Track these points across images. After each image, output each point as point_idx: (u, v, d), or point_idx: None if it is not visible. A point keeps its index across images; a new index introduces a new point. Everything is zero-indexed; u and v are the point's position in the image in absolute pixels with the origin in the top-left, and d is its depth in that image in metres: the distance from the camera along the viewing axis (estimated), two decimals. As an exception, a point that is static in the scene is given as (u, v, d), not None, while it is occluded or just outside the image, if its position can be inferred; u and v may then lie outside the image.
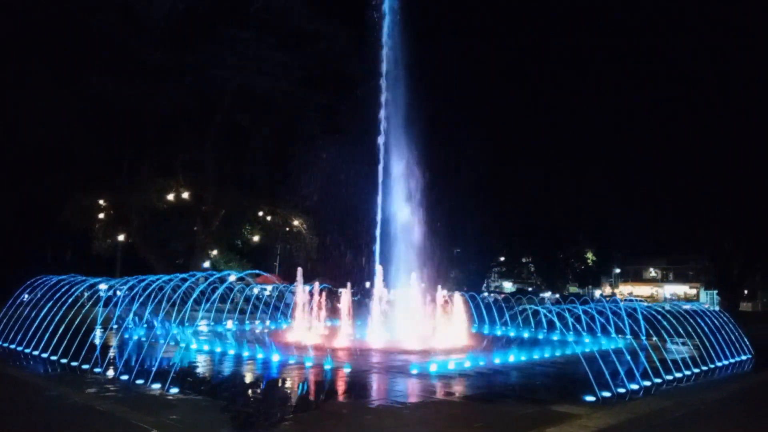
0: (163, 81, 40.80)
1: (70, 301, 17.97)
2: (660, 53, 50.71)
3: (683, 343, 20.93)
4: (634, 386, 12.27)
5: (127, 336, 19.56)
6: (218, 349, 17.70)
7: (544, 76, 61.21)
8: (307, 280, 24.39)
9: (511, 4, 61.47)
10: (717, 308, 51.57)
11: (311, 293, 22.23)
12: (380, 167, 24.15)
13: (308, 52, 42.71)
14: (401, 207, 25.16)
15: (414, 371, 13.88)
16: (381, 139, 24.58)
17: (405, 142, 25.31)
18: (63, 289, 19.00)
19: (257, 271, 30.42)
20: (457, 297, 21.44)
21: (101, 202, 45.48)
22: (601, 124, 55.03)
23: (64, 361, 14.53)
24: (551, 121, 59.49)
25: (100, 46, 39.53)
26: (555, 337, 22.82)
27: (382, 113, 24.22)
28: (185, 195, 45.22)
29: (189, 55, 40.10)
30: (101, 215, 45.93)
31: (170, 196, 44.84)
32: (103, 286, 30.94)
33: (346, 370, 14.36)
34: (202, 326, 26.11)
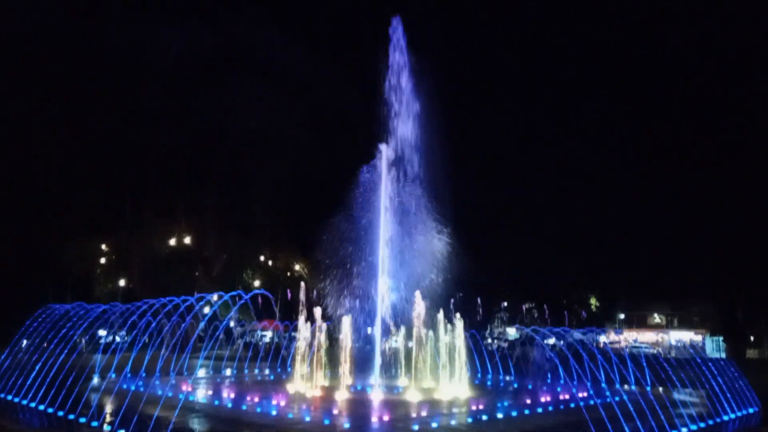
0: (166, 126, 41.54)
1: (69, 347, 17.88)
2: (655, 101, 51.73)
3: (689, 394, 20.63)
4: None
5: (125, 387, 19.30)
6: (217, 402, 17.45)
7: (542, 133, 62.80)
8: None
9: (523, 44, 63.27)
10: (723, 355, 50.88)
11: (312, 335, 21.75)
12: (383, 212, 24.22)
13: (311, 98, 43.66)
14: (403, 253, 25.25)
15: (415, 427, 13.63)
16: (386, 170, 24.68)
17: (406, 190, 25.69)
18: (61, 334, 19.02)
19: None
20: (461, 346, 21.21)
21: (102, 246, 45.66)
22: (601, 172, 55.77)
23: (61, 413, 14.34)
24: (550, 167, 60.41)
25: (105, 91, 40.43)
26: (558, 388, 22.45)
27: (383, 163, 24.47)
28: (187, 240, 45.39)
29: (192, 101, 40.99)
30: (102, 260, 46.02)
31: (172, 242, 45.02)
32: (102, 332, 30.74)
33: (346, 426, 14.10)
34: (201, 374, 25.83)
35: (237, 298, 16.86)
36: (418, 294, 20.65)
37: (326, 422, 14.21)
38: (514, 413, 16.08)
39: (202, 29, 41.21)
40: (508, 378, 27.32)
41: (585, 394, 19.39)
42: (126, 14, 43.73)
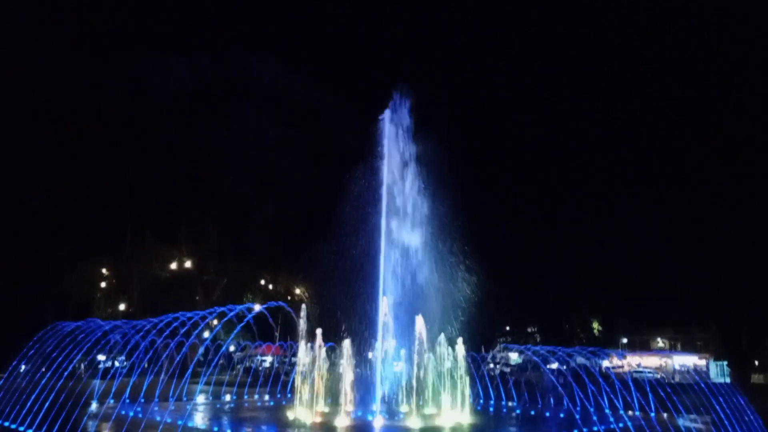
0: (169, 153, 41.82)
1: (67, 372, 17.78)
2: (655, 121, 51.95)
3: (693, 420, 20.38)
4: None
5: (123, 413, 19.13)
6: (216, 429, 17.25)
7: (543, 162, 63.17)
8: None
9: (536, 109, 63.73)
10: (728, 380, 50.29)
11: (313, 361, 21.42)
12: (382, 241, 23.81)
13: (312, 127, 44.02)
14: (405, 278, 24.84)
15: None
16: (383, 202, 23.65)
17: (410, 214, 25.02)
18: (60, 359, 18.94)
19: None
20: (463, 371, 21.02)
21: (103, 271, 45.63)
22: (602, 196, 55.87)
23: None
24: (551, 193, 60.69)
25: (107, 117, 40.78)
26: (561, 414, 22.21)
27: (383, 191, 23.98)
28: (187, 264, 45.37)
29: (193, 127, 41.34)
30: (103, 284, 45.96)
31: (173, 266, 45.00)
32: (101, 357, 30.54)
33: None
34: (201, 400, 25.58)
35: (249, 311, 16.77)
36: (419, 319, 20.30)
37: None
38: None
39: (204, 59, 41.79)
40: (510, 404, 27.01)
41: (589, 420, 19.20)
42: (128, 43, 44.41)
